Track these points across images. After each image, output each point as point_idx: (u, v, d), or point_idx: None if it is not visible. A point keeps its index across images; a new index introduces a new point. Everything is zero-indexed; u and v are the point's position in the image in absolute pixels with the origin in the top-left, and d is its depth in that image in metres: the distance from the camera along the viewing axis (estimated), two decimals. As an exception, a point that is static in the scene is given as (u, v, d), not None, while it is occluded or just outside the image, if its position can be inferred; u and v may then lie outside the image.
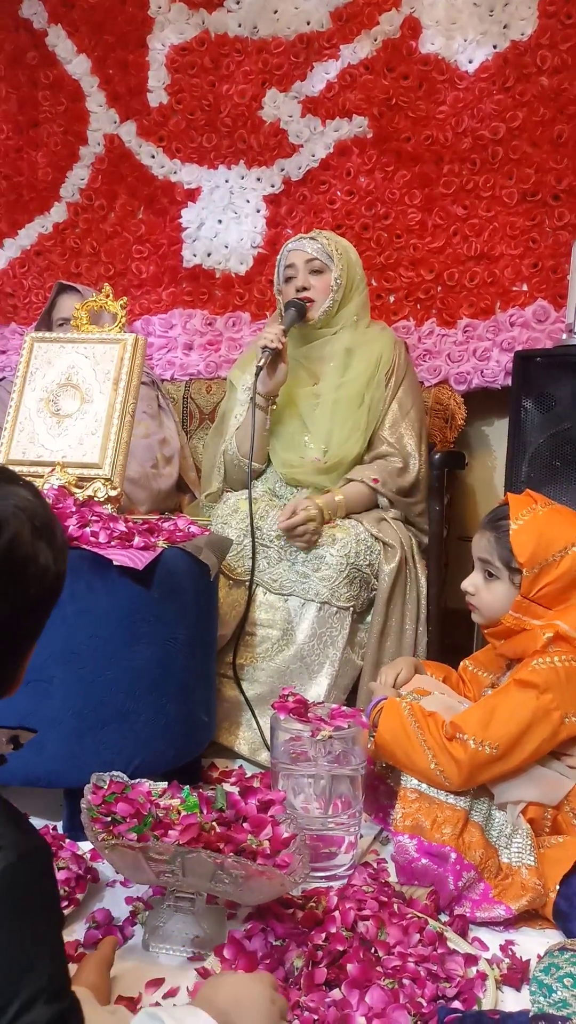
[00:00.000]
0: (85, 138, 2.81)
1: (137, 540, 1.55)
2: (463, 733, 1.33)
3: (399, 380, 2.11)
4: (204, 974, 1.13)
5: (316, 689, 1.85)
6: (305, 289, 2.06)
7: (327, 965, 1.11)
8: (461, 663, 1.66)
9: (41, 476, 1.72)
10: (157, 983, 1.12)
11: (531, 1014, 0.94)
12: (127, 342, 1.78)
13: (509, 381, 2.31)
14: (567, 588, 1.43)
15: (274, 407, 2.07)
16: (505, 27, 2.36)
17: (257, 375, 1.98)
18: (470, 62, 2.40)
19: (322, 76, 2.54)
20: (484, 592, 1.49)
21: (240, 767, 1.80)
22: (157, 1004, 1.02)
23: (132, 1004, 1.08)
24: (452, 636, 2.12)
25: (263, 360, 1.96)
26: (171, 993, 1.11)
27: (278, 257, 2.18)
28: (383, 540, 1.95)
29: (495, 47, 2.37)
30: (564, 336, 2.16)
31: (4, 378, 2.78)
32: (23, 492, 0.77)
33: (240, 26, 2.61)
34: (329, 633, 1.87)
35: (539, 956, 1.15)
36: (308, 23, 2.54)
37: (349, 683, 1.91)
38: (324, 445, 2.06)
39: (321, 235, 2.13)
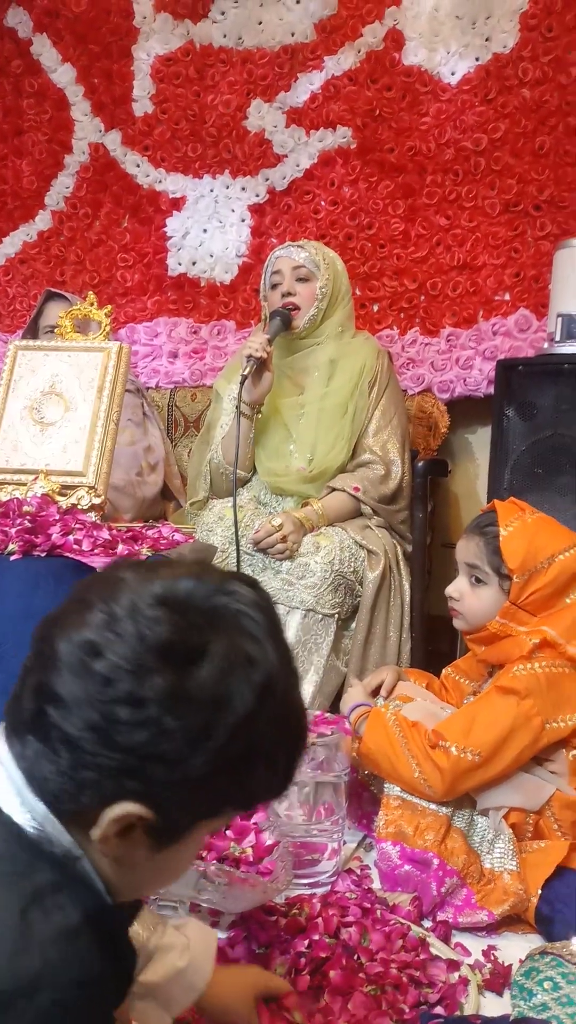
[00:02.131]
0: (70, 147, 2.82)
1: (121, 548, 1.55)
2: (445, 741, 1.34)
3: (382, 388, 2.12)
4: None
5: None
6: (291, 295, 2.08)
7: (310, 972, 1.12)
8: (443, 671, 1.67)
9: (24, 484, 1.72)
10: None
11: (511, 1018, 0.94)
12: (111, 350, 1.79)
13: (492, 389, 2.34)
14: (553, 595, 1.44)
15: (259, 416, 2.07)
16: (487, 40, 2.39)
17: (242, 384, 1.98)
18: (452, 74, 2.43)
19: (306, 87, 2.56)
20: (470, 597, 1.50)
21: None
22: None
23: (117, 1012, 1.08)
24: (435, 643, 2.14)
25: (248, 369, 1.97)
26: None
27: (265, 264, 2.19)
28: (367, 547, 1.96)
29: (477, 59, 2.40)
30: (546, 345, 2.18)
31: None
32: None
33: (225, 37, 2.63)
34: (314, 640, 1.88)
35: (520, 960, 1.16)
36: (292, 34, 2.56)
37: (333, 690, 1.91)
38: (309, 454, 2.07)
39: (309, 244, 2.14)
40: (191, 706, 0.62)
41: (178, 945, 0.89)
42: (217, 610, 0.65)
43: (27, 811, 0.64)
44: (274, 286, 2.11)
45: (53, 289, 2.54)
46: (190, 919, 0.95)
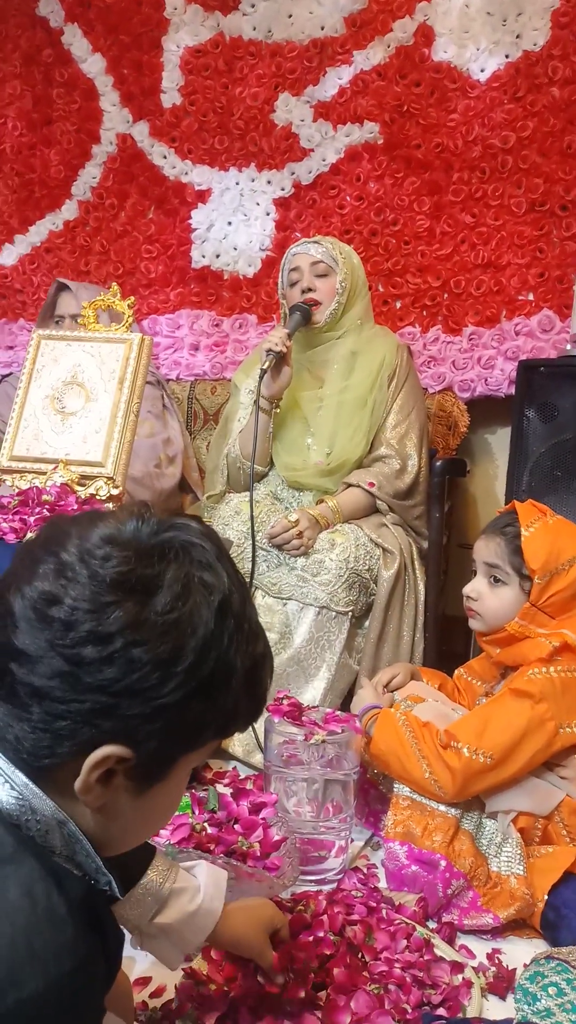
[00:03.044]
0: (98, 137, 2.83)
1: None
2: (457, 742, 1.34)
3: (400, 382, 2.12)
4: (191, 974, 1.14)
5: (312, 692, 1.86)
6: (311, 291, 2.07)
7: (314, 969, 1.12)
8: (455, 672, 1.67)
9: (44, 473, 1.73)
10: (144, 982, 1.13)
11: (515, 1022, 0.94)
12: (133, 342, 1.79)
13: (513, 390, 2.32)
14: (573, 598, 1.43)
15: (277, 411, 2.07)
16: (518, 37, 2.36)
17: (261, 378, 1.98)
18: (482, 71, 2.41)
19: (335, 81, 2.55)
20: (488, 597, 1.49)
21: (234, 768, 1.81)
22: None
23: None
24: (449, 643, 2.13)
25: (267, 363, 1.96)
26: (157, 992, 1.12)
27: (282, 261, 2.18)
28: (383, 546, 1.95)
29: (507, 57, 2.38)
30: (568, 346, 2.16)
31: (11, 374, 2.80)
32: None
33: (255, 29, 2.62)
34: (327, 637, 1.88)
35: (525, 964, 1.15)
36: (322, 28, 2.55)
37: (345, 687, 1.91)
38: (327, 447, 2.07)
39: (325, 240, 2.14)
40: (155, 633, 0.63)
41: (190, 888, 0.92)
42: (165, 543, 0.67)
43: (4, 782, 0.65)
44: (293, 283, 2.11)
45: (62, 280, 2.53)
46: (201, 862, 0.98)
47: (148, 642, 0.63)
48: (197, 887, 0.93)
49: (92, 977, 0.65)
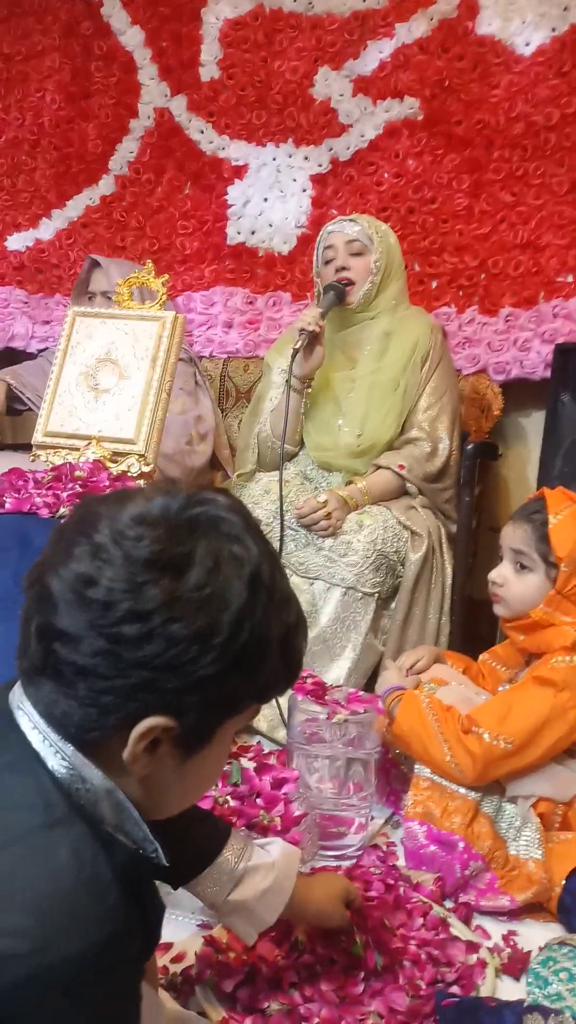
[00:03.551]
0: (136, 111, 2.82)
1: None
2: (479, 727, 1.35)
3: (434, 365, 2.10)
4: (211, 942, 1.17)
5: (336, 672, 1.87)
6: (345, 269, 2.06)
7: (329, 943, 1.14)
8: (480, 657, 1.67)
9: (78, 449, 1.76)
10: (165, 947, 1.17)
11: (525, 1004, 0.96)
12: (166, 320, 1.80)
13: (549, 373, 2.29)
14: (599, 588, 1.43)
15: (309, 390, 2.07)
16: (565, 9, 2.30)
17: (293, 358, 1.98)
18: (527, 45, 2.35)
19: (375, 55, 2.51)
20: (514, 583, 1.49)
21: (258, 743, 1.83)
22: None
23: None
24: (476, 627, 2.12)
25: (300, 343, 1.96)
26: (178, 958, 1.15)
27: (317, 239, 2.17)
28: (411, 528, 1.95)
29: (554, 30, 2.32)
30: (607, 330, 2.13)
31: (47, 348, 2.82)
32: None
33: (295, 1, 2.58)
34: (352, 618, 1.89)
35: (540, 948, 1.17)
36: (364, 0, 2.51)
37: (369, 668, 1.92)
38: (359, 429, 2.06)
39: (361, 218, 2.12)
40: (190, 608, 0.65)
41: (263, 866, 0.97)
42: (194, 519, 0.68)
43: (56, 752, 0.67)
44: (327, 262, 2.10)
45: (94, 256, 2.53)
46: (275, 839, 1.03)
47: (184, 618, 0.64)
48: (271, 864, 0.98)
49: (130, 945, 0.68)
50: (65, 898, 0.62)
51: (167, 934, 1.17)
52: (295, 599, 0.74)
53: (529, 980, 0.95)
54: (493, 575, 1.52)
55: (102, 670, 0.64)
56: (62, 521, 0.72)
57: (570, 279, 2.35)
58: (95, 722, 0.66)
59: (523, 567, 1.47)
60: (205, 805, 1.19)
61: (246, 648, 0.67)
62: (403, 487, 2.04)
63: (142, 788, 0.70)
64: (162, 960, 1.15)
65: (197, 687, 0.66)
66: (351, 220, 2.10)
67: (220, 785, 1.27)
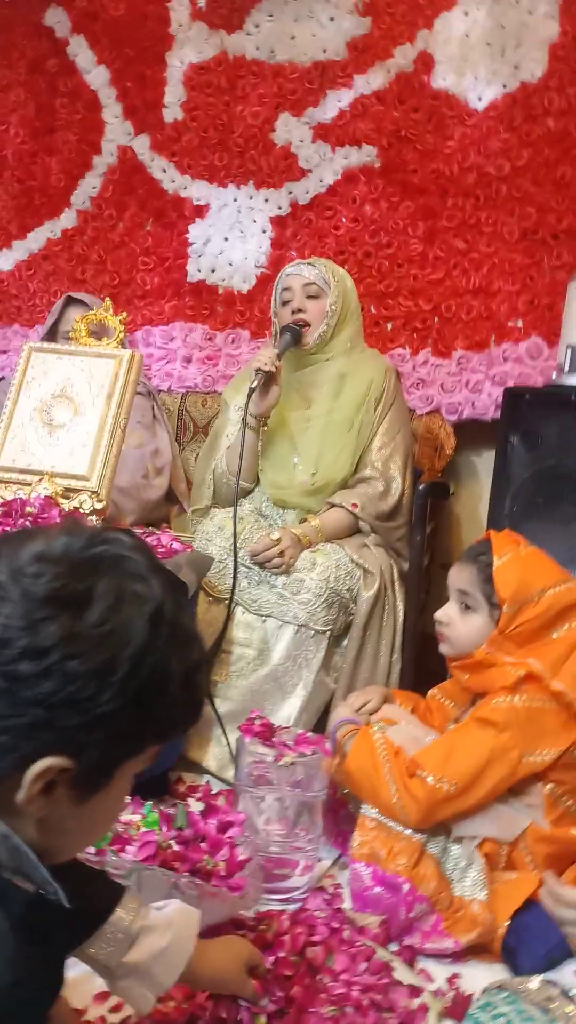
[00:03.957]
0: (99, 148, 2.85)
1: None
2: (422, 770, 1.36)
3: (387, 405, 2.14)
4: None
5: (287, 710, 1.88)
6: (301, 311, 2.10)
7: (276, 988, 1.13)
8: (429, 692, 1.69)
9: (29, 484, 1.75)
10: (103, 996, 1.14)
11: (464, 1050, 0.96)
12: (123, 358, 1.81)
13: (499, 414, 2.35)
14: (541, 628, 1.46)
15: (265, 428, 2.10)
16: (516, 67, 2.40)
17: (250, 396, 2.01)
18: (479, 99, 2.44)
19: (335, 104, 2.58)
20: (458, 624, 1.52)
21: (207, 783, 1.82)
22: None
23: (78, 1015, 1.10)
24: (428, 663, 2.14)
25: (256, 382, 1.99)
26: (116, 1008, 1.13)
27: (276, 281, 2.21)
28: (363, 566, 1.98)
29: (505, 87, 2.41)
30: (555, 375, 2.19)
31: (3, 378, 2.81)
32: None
33: (258, 49, 2.65)
34: (304, 655, 1.90)
35: (482, 992, 1.17)
36: (324, 51, 2.58)
37: (321, 705, 1.93)
38: (313, 467, 2.09)
39: (319, 262, 2.17)
40: (89, 645, 0.64)
41: (160, 926, 0.91)
42: (97, 557, 0.69)
43: None
44: (284, 303, 2.14)
45: (73, 294, 2.57)
46: (173, 900, 0.97)
47: (83, 654, 0.64)
48: (168, 923, 0.92)
49: (34, 991, 0.67)
50: None
51: (104, 984, 1.15)
52: (199, 639, 0.74)
53: (467, 1027, 0.96)
54: (439, 615, 1.54)
55: None
56: None
57: (520, 324, 2.42)
58: None
59: (468, 607, 1.49)
60: (148, 850, 1.18)
61: (146, 685, 0.67)
62: (356, 525, 2.06)
63: (38, 831, 0.69)
64: (100, 1010, 1.13)
65: (96, 725, 0.65)
66: (309, 264, 2.15)
67: (164, 829, 1.26)
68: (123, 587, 0.67)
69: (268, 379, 2.01)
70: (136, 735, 0.69)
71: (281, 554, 1.90)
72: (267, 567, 1.92)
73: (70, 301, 2.52)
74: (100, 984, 1.16)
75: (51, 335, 2.52)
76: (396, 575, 2.06)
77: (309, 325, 2.10)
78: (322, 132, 2.60)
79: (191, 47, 2.72)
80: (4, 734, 0.64)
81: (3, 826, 0.66)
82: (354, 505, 2.04)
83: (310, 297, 2.11)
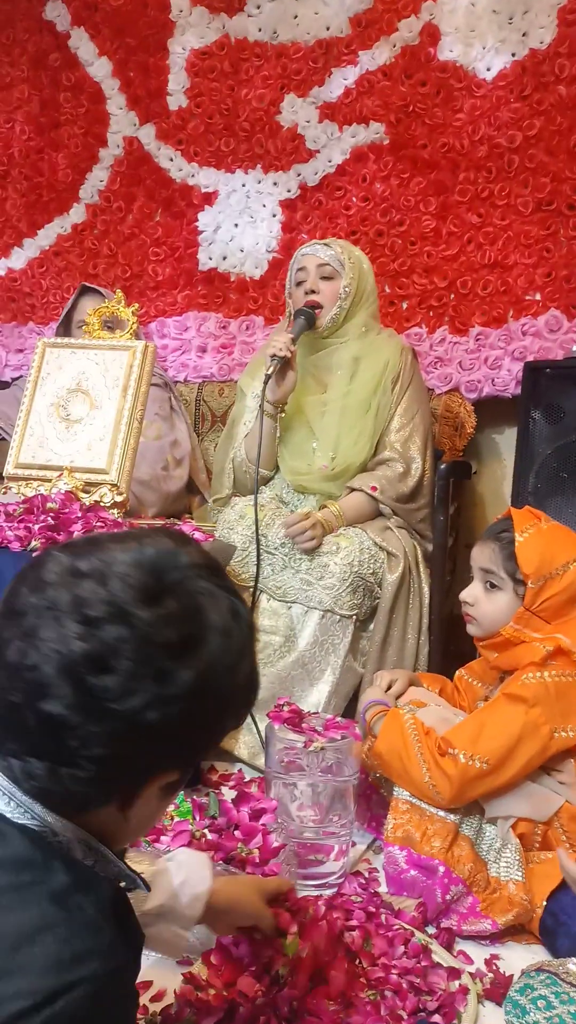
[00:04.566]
0: (105, 140, 2.84)
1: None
2: (453, 748, 1.35)
3: (405, 385, 2.12)
4: (190, 979, 1.15)
5: (316, 696, 1.87)
6: (314, 292, 2.08)
7: (311, 975, 1.13)
8: (456, 673, 1.67)
9: (49, 480, 1.75)
10: (144, 985, 1.15)
11: (506, 1032, 0.95)
12: (136, 349, 1.81)
13: (520, 390, 2.32)
14: (567, 603, 1.44)
15: (282, 415, 2.08)
16: (524, 35, 2.35)
17: (266, 383, 1.99)
18: (488, 70, 2.39)
19: (340, 82, 2.55)
20: (484, 603, 1.50)
21: (239, 771, 1.83)
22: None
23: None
24: (456, 643, 2.13)
25: (272, 368, 1.97)
26: (157, 997, 1.14)
27: (291, 261, 2.19)
28: (387, 549, 1.96)
29: (513, 55, 2.36)
30: (575, 348, 2.15)
31: (21, 376, 2.82)
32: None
33: (260, 31, 2.62)
34: (331, 641, 1.89)
35: (521, 972, 1.16)
36: (327, 28, 2.55)
37: (350, 690, 1.92)
38: (331, 451, 2.07)
39: (336, 243, 2.14)
40: (212, 680, 0.69)
41: (170, 867, 0.94)
42: (194, 600, 0.71)
43: (24, 811, 0.68)
44: (299, 283, 2.12)
45: (88, 284, 2.57)
46: (178, 849, 1.00)
47: (206, 693, 0.70)
48: (179, 864, 0.95)
49: (131, 977, 0.70)
50: (64, 945, 0.63)
51: (146, 972, 1.16)
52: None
53: (507, 1008, 0.95)
54: (464, 595, 1.53)
55: (120, 750, 0.67)
56: (16, 589, 0.70)
57: (538, 297, 2.38)
58: (95, 797, 0.69)
59: (492, 586, 1.48)
60: (182, 840, 1.18)
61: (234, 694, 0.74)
62: (377, 509, 2.05)
63: (110, 823, 0.72)
64: (141, 999, 1.13)
65: (201, 736, 0.73)
66: (325, 244, 2.13)
67: (198, 818, 1.26)
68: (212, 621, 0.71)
69: (284, 365, 1.99)
70: (217, 737, 0.76)
71: (314, 526, 1.88)
72: (297, 542, 1.89)
73: (85, 291, 2.52)
74: (141, 973, 1.17)
75: (66, 324, 2.52)
76: (420, 557, 2.04)
77: (322, 307, 2.07)
78: (329, 111, 2.57)
79: (192, 33, 2.69)
80: (122, 767, 0.68)
81: (83, 832, 0.70)
82: (373, 488, 2.02)
83: (324, 279, 2.08)
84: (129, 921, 0.74)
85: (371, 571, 1.92)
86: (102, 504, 1.72)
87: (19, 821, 0.68)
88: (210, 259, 2.74)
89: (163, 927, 0.92)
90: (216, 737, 0.75)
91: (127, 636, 0.65)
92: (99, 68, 2.82)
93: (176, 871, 0.93)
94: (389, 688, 1.64)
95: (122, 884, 0.74)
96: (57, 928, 0.64)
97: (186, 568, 0.70)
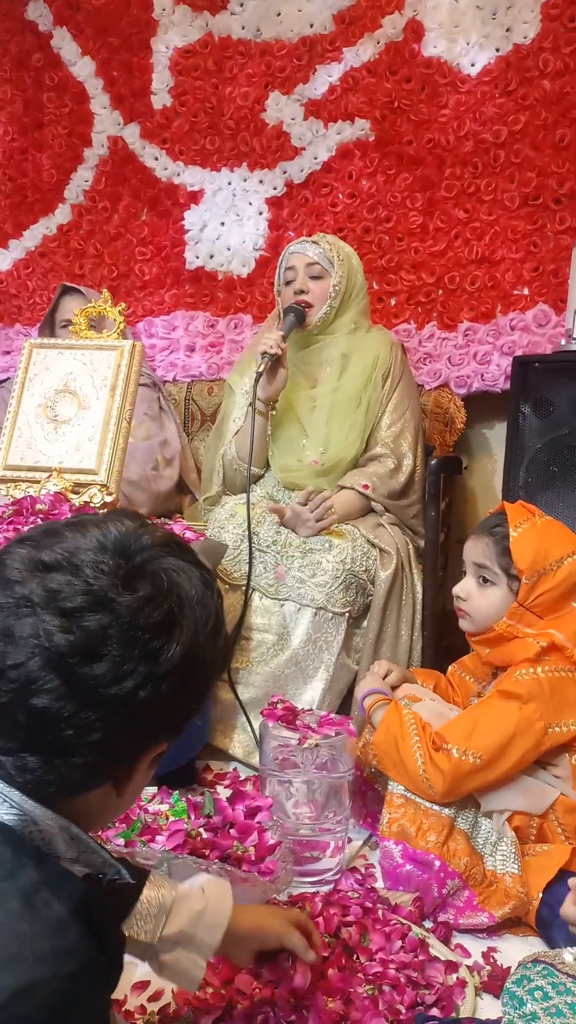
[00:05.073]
0: (89, 140, 2.83)
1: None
2: (447, 743, 1.35)
3: (395, 381, 2.12)
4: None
5: (311, 693, 1.87)
6: (303, 292, 2.07)
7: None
8: (449, 668, 1.67)
9: (38, 481, 1.74)
10: (142, 986, 1.15)
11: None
12: (124, 349, 1.80)
13: (509, 385, 2.32)
14: (561, 598, 1.44)
15: (273, 412, 2.08)
16: (508, 30, 2.35)
17: (257, 380, 1.99)
18: (472, 65, 2.39)
19: (325, 79, 2.54)
20: (477, 598, 1.50)
21: (234, 769, 1.82)
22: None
23: (118, 1006, 1.11)
24: (449, 639, 2.13)
25: (263, 366, 1.97)
26: (155, 996, 1.13)
27: (280, 259, 2.19)
28: (379, 546, 1.96)
29: (498, 50, 2.36)
30: (563, 341, 2.16)
31: (8, 379, 2.81)
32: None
33: (243, 28, 2.61)
34: (324, 638, 1.89)
35: (518, 964, 1.16)
36: (311, 26, 2.54)
37: (344, 688, 1.92)
38: (322, 447, 2.07)
39: (324, 239, 2.13)
40: (196, 653, 0.73)
41: (192, 893, 0.93)
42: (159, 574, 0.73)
43: (2, 801, 0.68)
44: (288, 283, 2.11)
45: (68, 284, 2.56)
46: (200, 873, 1.01)
47: (193, 668, 0.74)
48: (200, 890, 0.94)
49: (96, 976, 0.69)
50: (26, 944, 0.62)
51: (143, 973, 1.15)
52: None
53: (504, 1000, 0.95)
54: (457, 590, 1.52)
55: (117, 741, 0.69)
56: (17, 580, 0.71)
57: (526, 292, 2.39)
58: (92, 780, 0.71)
59: (486, 581, 1.48)
60: (177, 839, 1.18)
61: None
62: (368, 506, 2.05)
63: (77, 813, 0.73)
64: (139, 999, 1.13)
65: (187, 707, 0.76)
66: (314, 242, 2.12)
67: (193, 817, 1.26)
68: (197, 624, 0.74)
69: (275, 362, 1.99)
70: (205, 699, 0.81)
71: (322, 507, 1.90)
72: (314, 518, 1.89)
73: (66, 291, 2.50)
74: (139, 974, 1.16)
75: (50, 325, 2.51)
76: (412, 553, 2.04)
77: (311, 306, 2.07)
78: (314, 108, 2.57)
79: (176, 31, 2.68)
80: (115, 750, 0.70)
81: (63, 820, 0.70)
82: (365, 486, 2.02)
83: (313, 278, 2.08)
84: (103, 921, 0.73)
85: (364, 568, 1.92)
86: (92, 505, 1.71)
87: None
88: (197, 258, 2.73)
89: (181, 954, 0.91)
90: (204, 700, 0.79)
91: (112, 622, 0.66)
92: (82, 68, 2.81)
93: (198, 898, 0.92)
94: (387, 676, 1.64)
95: (104, 875, 0.75)
96: (20, 925, 0.63)
97: (152, 548, 0.72)
